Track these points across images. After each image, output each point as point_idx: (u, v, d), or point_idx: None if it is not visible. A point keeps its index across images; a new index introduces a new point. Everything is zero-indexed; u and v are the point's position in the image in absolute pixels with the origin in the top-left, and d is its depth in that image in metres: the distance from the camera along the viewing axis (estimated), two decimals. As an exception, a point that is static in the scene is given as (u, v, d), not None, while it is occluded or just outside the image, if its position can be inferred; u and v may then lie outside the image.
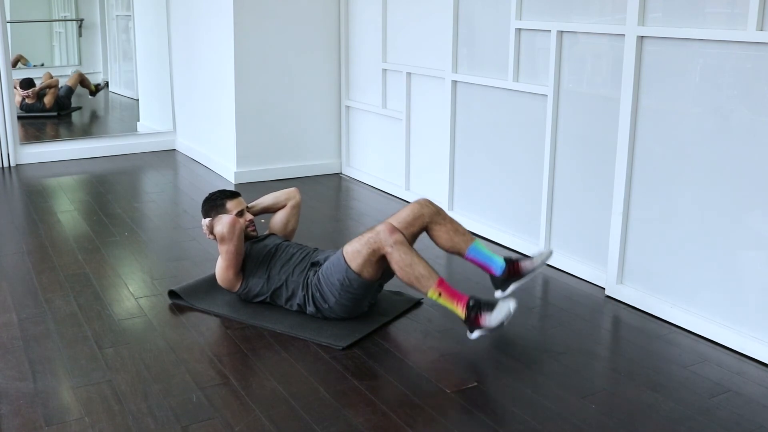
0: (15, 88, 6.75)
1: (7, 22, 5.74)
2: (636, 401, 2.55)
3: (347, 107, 5.52)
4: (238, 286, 3.18)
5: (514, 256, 3.10)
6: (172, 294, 3.27)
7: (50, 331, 2.99)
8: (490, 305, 2.78)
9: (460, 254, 3.13)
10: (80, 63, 8.42)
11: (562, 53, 3.58)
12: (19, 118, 6.23)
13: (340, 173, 5.64)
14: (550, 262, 3.74)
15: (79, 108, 7.84)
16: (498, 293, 3.09)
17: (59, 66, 8.34)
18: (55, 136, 7.01)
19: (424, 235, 3.15)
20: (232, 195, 3.31)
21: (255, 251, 3.19)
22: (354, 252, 2.92)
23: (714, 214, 2.96)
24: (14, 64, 7.18)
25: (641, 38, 3.14)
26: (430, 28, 4.52)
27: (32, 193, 5.07)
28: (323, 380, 2.65)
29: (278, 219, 3.45)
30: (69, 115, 7.61)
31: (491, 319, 2.75)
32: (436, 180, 4.53)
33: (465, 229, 3.16)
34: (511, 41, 3.83)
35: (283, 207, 3.46)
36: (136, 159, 6.12)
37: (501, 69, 3.96)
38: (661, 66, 3.10)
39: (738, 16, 2.82)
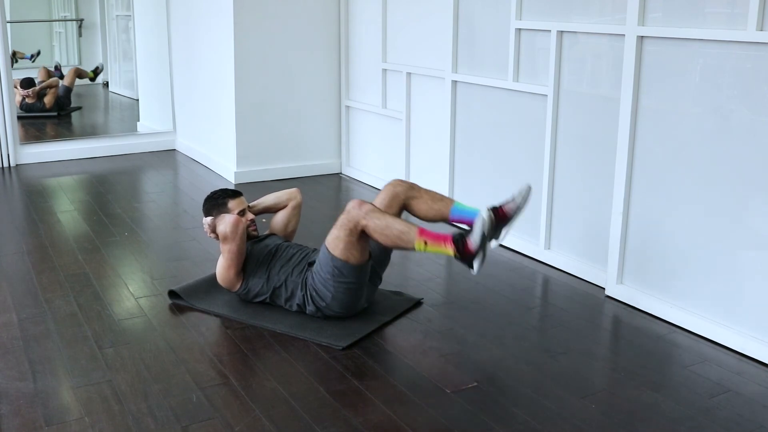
0: (15, 87, 6.76)
1: (7, 22, 5.74)
2: (636, 401, 2.55)
3: (347, 107, 5.53)
4: (239, 285, 3.18)
5: (495, 203, 3.07)
6: (172, 294, 3.27)
7: (50, 331, 2.99)
8: (471, 230, 2.79)
9: (444, 220, 3.14)
10: (80, 63, 8.43)
11: (562, 53, 3.58)
12: (19, 118, 6.23)
13: (340, 173, 5.64)
14: (550, 262, 3.75)
15: (79, 108, 7.84)
16: (493, 243, 3.07)
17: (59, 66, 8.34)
18: (55, 136, 7.01)
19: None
20: (234, 194, 3.31)
21: (256, 251, 3.19)
22: (334, 239, 2.93)
23: (714, 214, 2.96)
24: (12, 56, 7.16)
25: (641, 38, 3.14)
26: (430, 28, 4.52)
27: (32, 193, 5.07)
28: (323, 380, 2.65)
29: (279, 219, 3.45)
30: (69, 115, 7.61)
31: (474, 236, 2.75)
32: (436, 180, 4.52)
33: (442, 195, 3.18)
34: (511, 41, 3.83)
35: (284, 207, 3.46)
36: (136, 159, 6.12)
37: (501, 69, 3.96)
38: (661, 66, 3.10)
39: (738, 16, 2.82)
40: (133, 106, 7.27)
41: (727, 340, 2.92)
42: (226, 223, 3.08)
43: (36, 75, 7.79)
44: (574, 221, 3.66)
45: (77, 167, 5.82)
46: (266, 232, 3.42)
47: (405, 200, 3.14)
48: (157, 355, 2.81)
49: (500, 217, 2.99)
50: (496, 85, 3.99)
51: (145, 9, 6.85)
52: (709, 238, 2.99)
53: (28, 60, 8.17)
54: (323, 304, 3.02)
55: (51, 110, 7.47)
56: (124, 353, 2.82)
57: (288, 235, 3.45)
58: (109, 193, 5.10)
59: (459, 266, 3.82)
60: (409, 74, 4.77)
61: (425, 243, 2.80)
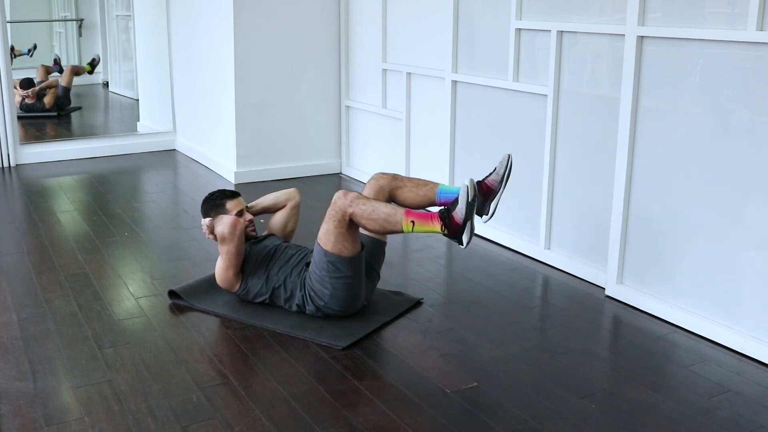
0: (15, 88, 6.75)
1: (7, 22, 5.74)
2: (636, 401, 2.55)
3: (347, 107, 5.53)
4: (238, 286, 3.18)
5: (478, 178, 3.06)
6: (172, 294, 3.27)
7: (50, 331, 2.99)
8: (455, 203, 2.79)
9: (431, 204, 3.16)
10: (80, 63, 8.42)
11: (562, 53, 3.58)
12: (19, 118, 6.23)
13: (340, 173, 5.64)
14: (550, 262, 3.75)
15: (79, 108, 7.84)
16: (483, 219, 3.08)
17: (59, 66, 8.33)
18: (55, 136, 7.01)
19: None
20: (232, 195, 3.31)
21: (254, 252, 3.18)
22: (325, 234, 2.94)
23: (714, 214, 2.96)
24: (11, 51, 7.13)
25: (641, 38, 3.14)
26: (430, 28, 4.52)
27: (32, 193, 5.07)
28: (323, 380, 2.65)
29: (277, 219, 3.45)
30: (69, 115, 7.61)
31: (459, 207, 2.75)
32: (436, 180, 4.52)
33: (426, 180, 3.21)
34: (511, 41, 3.83)
35: (282, 207, 3.46)
36: (136, 159, 6.12)
37: (501, 69, 3.96)
38: (661, 66, 3.10)
39: (738, 16, 2.82)
40: (133, 106, 7.27)
41: (727, 340, 2.92)
42: (224, 224, 3.08)
43: (35, 75, 7.78)
44: (573, 221, 3.66)
45: (77, 167, 5.82)
46: (265, 233, 3.41)
47: (390, 191, 3.17)
48: (157, 355, 2.81)
49: (486, 191, 3.01)
50: (496, 85, 3.99)
51: (145, 9, 6.85)
52: (709, 238, 2.99)
53: (26, 56, 8.16)
54: (322, 303, 3.02)
55: (51, 110, 7.47)
56: (124, 353, 2.82)
57: (287, 236, 3.45)
58: (109, 193, 5.10)
59: (459, 266, 3.84)
60: (409, 74, 4.77)
61: (412, 223, 2.81)
